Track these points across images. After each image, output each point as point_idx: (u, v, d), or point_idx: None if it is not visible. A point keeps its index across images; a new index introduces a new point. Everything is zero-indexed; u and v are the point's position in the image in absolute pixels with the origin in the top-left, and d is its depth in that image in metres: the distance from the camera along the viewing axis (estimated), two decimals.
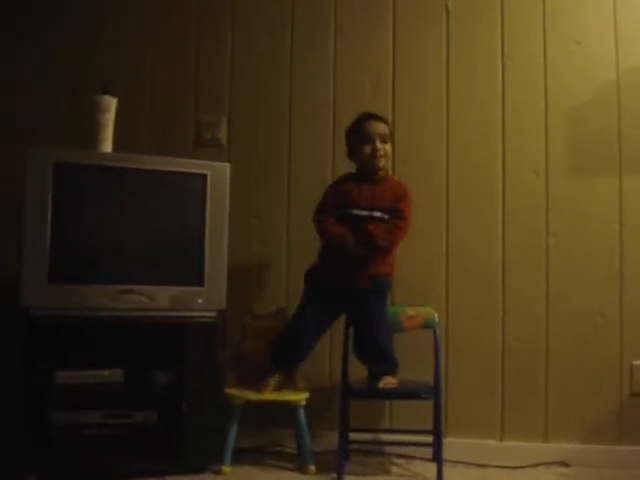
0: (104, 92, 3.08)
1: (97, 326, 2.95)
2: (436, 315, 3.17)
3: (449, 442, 3.11)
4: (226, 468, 2.98)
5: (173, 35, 3.66)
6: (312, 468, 3.01)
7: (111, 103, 3.08)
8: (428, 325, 3.16)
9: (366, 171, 3.09)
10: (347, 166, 3.18)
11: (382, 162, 3.07)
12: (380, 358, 3.05)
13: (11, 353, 2.77)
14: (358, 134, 3.09)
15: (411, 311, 3.18)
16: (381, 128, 3.08)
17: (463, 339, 3.34)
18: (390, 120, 3.43)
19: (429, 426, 3.06)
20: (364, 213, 3.01)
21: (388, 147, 3.09)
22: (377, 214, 3.01)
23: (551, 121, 3.37)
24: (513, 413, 3.29)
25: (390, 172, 3.41)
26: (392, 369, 3.05)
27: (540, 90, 3.38)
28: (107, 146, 3.06)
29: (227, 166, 3.08)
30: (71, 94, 3.54)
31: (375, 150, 3.04)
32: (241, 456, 3.14)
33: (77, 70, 3.63)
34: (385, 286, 3.09)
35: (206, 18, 3.64)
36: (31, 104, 3.58)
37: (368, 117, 3.11)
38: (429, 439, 3.04)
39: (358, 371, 3.07)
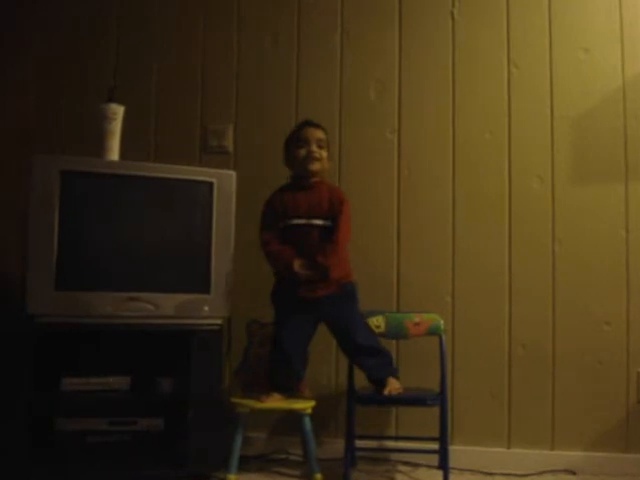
0: (110, 100, 3.09)
1: (103, 333, 2.96)
2: (442, 322, 3.16)
3: (455, 449, 3.11)
4: (232, 476, 2.96)
5: (179, 43, 3.67)
6: (318, 476, 3.00)
7: (118, 111, 3.08)
8: (434, 332, 3.15)
9: (300, 177, 3.10)
10: (351, 172, 3.19)
11: (316, 165, 3.06)
12: (367, 355, 3.02)
13: (17, 360, 2.78)
14: (295, 139, 3.11)
15: (417, 318, 3.17)
16: (317, 134, 3.09)
17: (469, 346, 3.33)
18: (396, 127, 3.45)
19: (435, 433, 3.06)
20: (303, 222, 3.02)
21: (324, 153, 3.08)
22: (317, 222, 3.01)
23: (557, 128, 3.37)
24: (520, 420, 3.29)
25: (395, 179, 3.43)
26: (389, 367, 3.04)
27: (546, 97, 3.38)
28: (114, 154, 3.06)
29: (233, 174, 3.09)
30: (77, 102, 3.57)
31: (310, 152, 3.05)
32: (247, 464, 3.15)
33: (83, 78, 3.64)
34: (347, 291, 3.05)
35: (212, 26, 3.65)
36: (37, 112, 3.60)
37: (306, 124, 3.13)
38: (435, 446, 3.05)
39: (364, 378, 3.06)
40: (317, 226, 3.01)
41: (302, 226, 3.01)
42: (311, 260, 2.95)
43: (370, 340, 3.05)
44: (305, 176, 3.08)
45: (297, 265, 2.94)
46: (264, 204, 3.12)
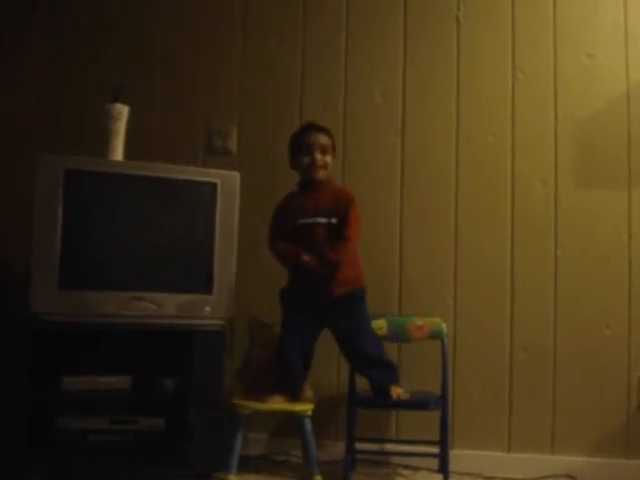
0: (115, 100, 3.09)
1: (105, 333, 2.96)
2: (444, 326, 3.16)
3: (456, 453, 3.11)
4: (232, 477, 2.96)
5: (184, 44, 3.67)
6: (318, 478, 3.00)
7: (122, 111, 3.09)
8: (436, 335, 3.15)
9: (306, 182, 3.11)
10: (354, 174, 3.19)
11: (320, 173, 3.07)
12: (373, 366, 3.02)
13: (20, 359, 2.78)
14: (299, 144, 3.11)
15: (419, 321, 3.17)
16: (322, 139, 3.09)
17: (471, 350, 3.33)
18: (400, 130, 3.45)
19: (435, 437, 3.06)
20: (309, 221, 3.02)
21: (328, 158, 3.09)
22: (322, 220, 3.02)
23: (561, 132, 3.37)
24: (520, 425, 3.28)
25: (398, 181, 3.43)
26: (394, 377, 3.04)
27: (550, 102, 3.38)
28: (118, 154, 3.07)
29: (237, 175, 3.09)
30: (82, 102, 3.57)
31: (314, 160, 3.05)
32: (247, 464, 3.15)
33: (88, 78, 3.64)
34: (359, 295, 3.06)
35: (217, 26, 3.66)
36: (41, 111, 3.60)
37: (310, 128, 3.12)
38: (435, 450, 3.05)
39: (365, 381, 3.06)
40: (322, 224, 3.01)
41: (308, 225, 3.02)
42: (320, 257, 2.95)
43: (377, 351, 3.04)
44: (310, 182, 3.09)
45: (305, 257, 2.95)
46: (274, 211, 3.14)
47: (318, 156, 3.06)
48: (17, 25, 3.67)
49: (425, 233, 3.42)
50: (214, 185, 3.02)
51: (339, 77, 3.56)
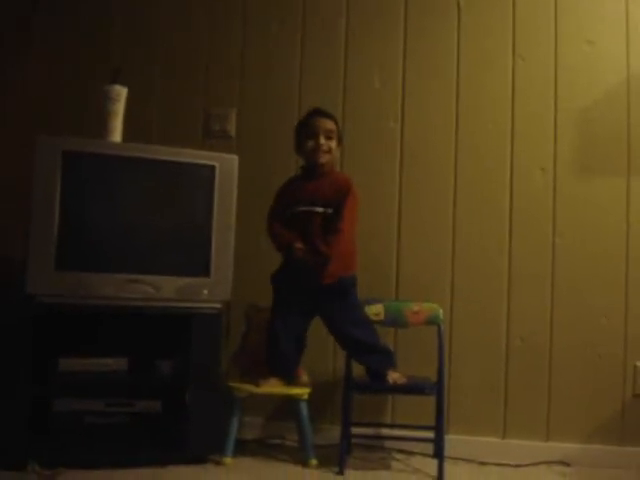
0: (114, 81, 3.08)
1: (102, 315, 2.96)
2: (441, 311, 3.17)
3: (450, 438, 3.11)
4: (228, 459, 2.99)
5: (183, 26, 3.66)
6: (314, 461, 3.02)
7: (121, 92, 3.08)
8: (433, 321, 3.16)
9: (309, 166, 3.11)
10: (353, 161, 3.19)
11: (324, 158, 3.07)
12: (367, 352, 3.03)
13: (16, 340, 2.79)
14: (304, 128, 3.12)
15: (416, 307, 3.18)
16: (328, 124, 3.09)
17: (467, 336, 3.34)
18: (399, 116, 3.45)
19: (431, 422, 3.07)
20: (305, 209, 3.03)
21: (333, 144, 3.09)
22: (318, 209, 3.02)
23: (560, 120, 3.36)
24: (515, 411, 3.30)
25: (397, 168, 3.43)
26: (390, 361, 3.05)
27: (550, 89, 3.37)
28: (116, 135, 3.06)
29: (235, 158, 3.08)
30: (81, 83, 3.57)
31: (318, 145, 3.05)
32: (243, 447, 3.16)
33: (87, 59, 3.64)
34: (348, 283, 3.05)
35: (217, 9, 3.64)
36: (40, 92, 3.59)
37: (316, 113, 3.12)
38: (431, 435, 3.06)
39: (361, 366, 3.07)
40: (318, 213, 3.01)
41: (304, 213, 3.03)
42: (312, 247, 2.95)
43: (370, 337, 3.05)
44: (313, 166, 3.09)
45: (298, 246, 2.96)
46: (276, 193, 3.15)
47: (322, 140, 3.05)
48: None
49: (423, 219, 3.42)
50: (212, 168, 3.02)
51: (339, 62, 3.55)
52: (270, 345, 3.06)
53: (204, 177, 3.02)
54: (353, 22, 3.55)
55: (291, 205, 3.07)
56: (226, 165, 3.05)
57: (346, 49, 3.56)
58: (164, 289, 2.94)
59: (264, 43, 3.61)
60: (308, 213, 3.03)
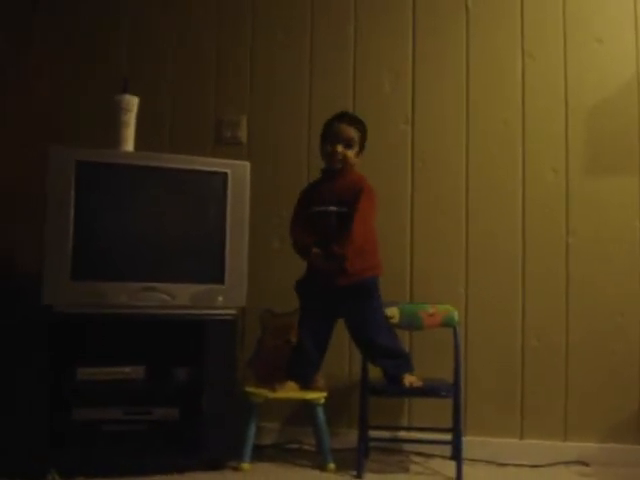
0: (125, 91, 3.09)
1: (119, 323, 2.97)
2: (456, 313, 3.16)
3: (468, 440, 3.10)
4: (245, 465, 2.99)
5: (193, 34, 3.68)
6: (331, 466, 3.02)
7: (132, 102, 3.09)
8: (448, 323, 3.16)
9: (328, 169, 3.12)
10: (364, 163, 3.18)
11: (338, 165, 3.07)
12: (385, 357, 3.04)
13: (34, 350, 2.80)
14: (327, 132, 3.12)
15: (431, 309, 3.17)
16: (349, 132, 3.08)
17: (483, 337, 3.34)
18: (410, 118, 3.45)
19: (448, 424, 3.07)
20: (322, 209, 3.04)
21: (350, 153, 3.07)
22: (332, 208, 3.03)
23: (571, 119, 3.36)
24: (533, 412, 3.29)
25: (409, 170, 3.43)
26: (407, 365, 3.04)
27: (560, 88, 3.37)
28: (129, 145, 3.08)
29: (247, 165, 3.09)
30: (92, 93, 3.58)
31: (334, 153, 3.06)
32: (260, 453, 3.17)
33: (97, 69, 3.65)
34: (367, 285, 3.05)
35: (226, 16, 3.66)
36: (52, 103, 3.60)
37: (341, 118, 3.12)
38: (448, 437, 3.06)
39: (377, 369, 3.07)
40: (333, 212, 3.02)
41: (320, 213, 3.04)
42: (328, 249, 2.96)
43: (389, 341, 3.05)
44: (332, 170, 3.10)
45: (314, 251, 2.97)
46: (298, 195, 3.16)
47: (339, 149, 3.06)
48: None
49: (436, 221, 3.42)
50: (225, 175, 3.03)
51: (348, 66, 3.55)
52: (297, 354, 3.07)
53: (216, 184, 3.03)
54: (361, 26, 3.56)
55: (309, 207, 3.08)
56: (238, 172, 3.06)
57: (355, 53, 3.56)
58: (179, 296, 2.95)
59: (273, 49, 3.62)
60: (323, 213, 3.04)
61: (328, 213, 3.03)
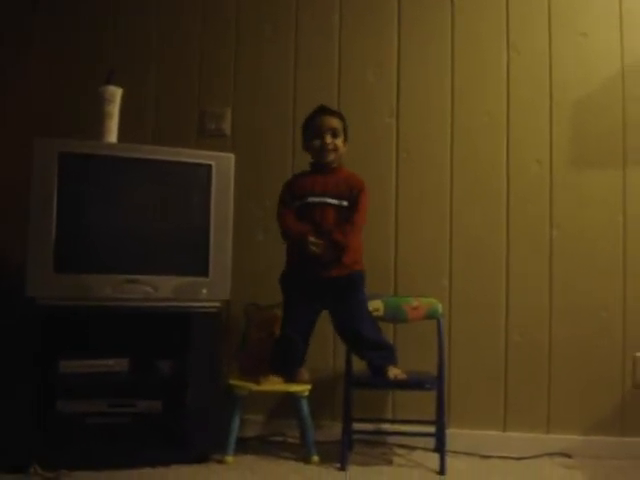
0: (109, 82, 3.08)
1: (102, 316, 2.95)
2: (440, 306, 3.17)
3: (452, 432, 3.11)
4: (229, 458, 2.99)
5: (178, 26, 3.66)
6: (315, 458, 3.03)
7: (116, 93, 3.08)
8: (432, 316, 3.16)
9: (318, 164, 3.12)
10: (349, 156, 3.18)
11: (331, 156, 3.09)
12: (371, 349, 3.04)
13: (17, 342, 2.79)
14: (311, 127, 3.12)
15: (415, 302, 3.18)
16: (333, 122, 3.10)
17: (466, 330, 3.34)
18: (394, 110, 3.45)
19: (432, 416, 3.09)
20: (317, 200, 3.04)
21: (339, 142, 3.10)
22: (332, 201, 3.03)
23: (556, 112, 3.37)
24: (516, 404, 3.30)
25: (393, 162, 3.43)
26: (391, 358, 3.05)
27: (545, 81, 3.37)
28: (112, 136, 3.07)
29: (232, 157, 3.08)
30: (75, 84, 3.56)
31: (324, 144, 3.07)
32: (244, 446, 3.17)
33: (81, 60, 3.63)
34: (356, 278, 3.07)
35: (211, 8, 3.64)
36: (40, 92, 3.58)
37: (322, 111, 3.13)
38: (432, 429, 3.07)
39: (362, 361, 3.07)
40: (331, 205, 3.03)
41: (317, 204, 3.04)
42: (325, 238, 2.97)
43: (374, 334, 3.06)
44: (322, 164, 3.10)
45: (311, 240, 2.96)
46: (282, 186, 3.14)
47: (329, 139, 3.07)
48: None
49: (420, 214, 3.43)
50: (209, 167, 3.02)
51: (333, 58, 3.55)
52: (281, 347, 3.08)
53: (200, 176, 3.02)
54: (346, 18, 3.55)
55: (301, 197, 3.07)
56: (222, 164, 3.05)
57: (340, 45, 3.55)
58: (163, 289, 2.94)
59: (258, 40, 3.60)
60: (320, 205, 3.03)
61: (326, 205, 3.03)
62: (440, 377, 3.04)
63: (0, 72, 3.57)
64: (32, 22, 3.67)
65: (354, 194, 3.05)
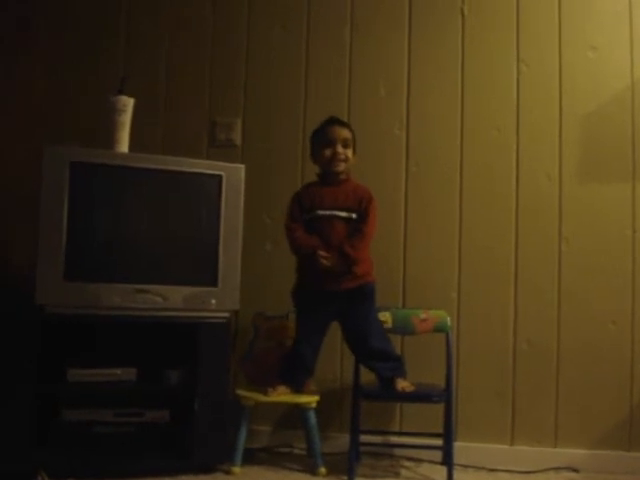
0: (120, 92, 3.09)
1: (111, 325, 2.96)
2: (449, 319, 3.17)
3: (459, 446, 3.10)
4: (236, 468, 2.99)
5: (188, 36, 3.67)
6: (322, 470, 3.02)
7: (128, 103, 3.09)
8: (440, 329, 3.16)
9: (327, 174, 3.12)
10: (358, 168, 3.19)
11: (341, 166, 3.09)
12: (380, 360, 3.04)
13: (25, 350, 2.79)
14: (321, 137, 3.12)
15: (423, 314, 3.18)
16: (344, 133, 3.11)
17: (474, 343, 3.34)
18: (404, 123, 3.46)
19: (439, 429, 3.09)
20: (327, 213, 3.03)
21: (349, 152, 3.10)
22: (341, 213, 3.03)
23: (565, 126, 3.37)
24: (523, 418, 3.29)
25: (403, 175, 3.43)
26: (400, 370, 3.05)
27: (555, 95, 3.38)
28: (123, 146, 3.07)
29: (242, 167, 3.09)
30: (87, 94, 3.57)
31: (335, 154, 3.06)
32: (251, 456, 3.17)
33: (92, 70, 3.63)
34: (367, 290, 3.07)
35: (221, 18, 3.65)
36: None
37: (332, 122, 3.14)
38: (439, 442, 3.07)
39: (369, 373, 3.07)
40: (341, 218, 3.03)
41: (326, 217, 3.03)
42: (335, 251, 2.97)
43: (383, 345, 3.06)
44: (331, 175, 3.10)
45: (322, 254, 2.95)
46: (291, 198, 3.13)
47: (340, 149, 3.07)
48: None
49: (429, 226, 3.43)
50: (219, 177, 3.03)
51: (343, 70, 3.55)
52: (293, 359, 3.08)
53: (211, 187, 3.02)
54: (357, 31, 3.56)
55: (309, 210, 3.06)
56: (232, 174, 3.06)
57: (351, 57, 3.56)
58: (172, 299, 2.94)
59: (268, 52, 3.62)
60: (329, 217, 3.03)
61: (335, 218, 3.03)
62: (448, 390, 3.04)
63: (9, 80, 3.58)
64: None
65: (363, 206, 3.06)
